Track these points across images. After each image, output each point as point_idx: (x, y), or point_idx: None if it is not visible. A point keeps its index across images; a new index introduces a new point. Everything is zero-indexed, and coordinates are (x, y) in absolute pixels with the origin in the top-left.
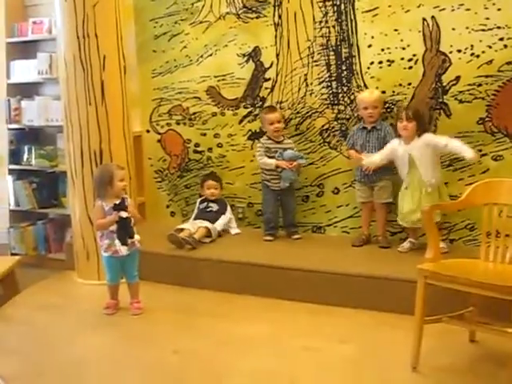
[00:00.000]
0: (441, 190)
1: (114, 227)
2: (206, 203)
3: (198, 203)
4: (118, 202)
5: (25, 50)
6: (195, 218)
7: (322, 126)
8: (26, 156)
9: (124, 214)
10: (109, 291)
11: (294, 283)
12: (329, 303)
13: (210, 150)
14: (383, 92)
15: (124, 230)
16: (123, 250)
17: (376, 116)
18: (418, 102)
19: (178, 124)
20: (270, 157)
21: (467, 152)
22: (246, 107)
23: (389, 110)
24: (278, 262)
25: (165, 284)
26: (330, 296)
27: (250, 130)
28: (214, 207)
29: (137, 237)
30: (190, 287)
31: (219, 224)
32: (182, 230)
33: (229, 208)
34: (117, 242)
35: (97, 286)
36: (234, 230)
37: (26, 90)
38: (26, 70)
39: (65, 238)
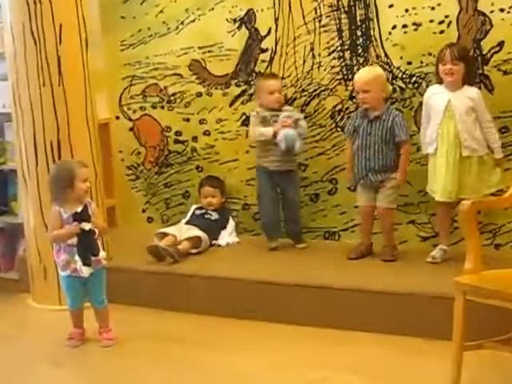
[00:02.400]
0: (487, 161)
1: (73, 240)
2: (203, 210)
3: (193, 209)
4: (79, 210)
5: None
6: (187, 223)
7: (334, 107)
8: None
9: (86, 226)
10: (71, 318)
11: (297, 303)
12: (342, 327)
13: (194, 139)
14: (409, 63)
15: (86, 246)
16: (84, 271)
17: (370, 102)
18: None
19: (154, 108)
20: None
21: (497, 150)
22: (238, 85)
23: (416, 86)
24: (278, 277)
25: (141, 307)
26: (344, 318)
27: (244, 114)
28: (213, 215)
29: (102, 253)
30: (173, 310)
31: (224, 240)
32: (165, 235)
33: (231, 222)
34: (77, 258)
35: (57, 311)
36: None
37: None
38: None
39: (16, 253)
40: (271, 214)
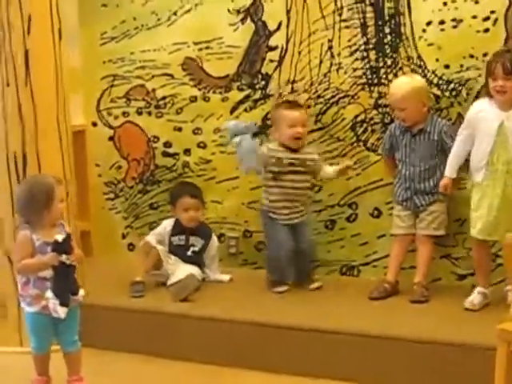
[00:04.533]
0: None
1: (48, 273)
2: (183, 236)
3: (167, 232)
4: (60, 240)
5: None
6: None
7: (355, 117)
8: None
9: (68, 260)
10: (35, 364)
11: (310, 351)
12: (361, 380)
13: (187, 152)
14: (446, 66)
15: (65, 283)
16: (60, 312)
17: (409, 119)
18: None
19: (139, 113)
20: (278, 173)
21: None
22: (240, 89)
23: (455, 94)
24: (285, 320)
25: (121, 352)
26: (364, 369)
27: None
28: (196, 244)
29: (81, 292)
30: (160, 357)
31: (213, 274)
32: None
33: (214, 239)
34: (50, 295)
35: (18, 354)
36: (217, 276)
37: None
38: None
39: None
40: (282, 255)
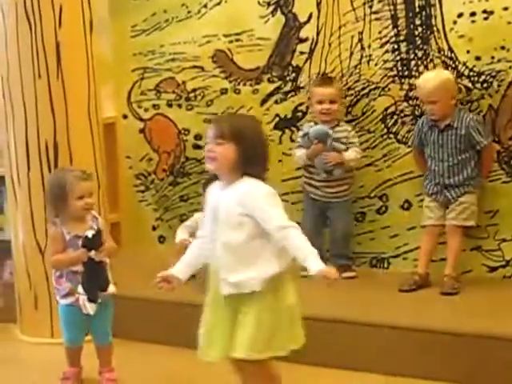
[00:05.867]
0: None
1: (79, 267)
2: None
3: (198, 219)
4: (90, 235)
5: None
6: None
7: (386, 110)
8: None
9: (97, 257)
10: (67, 355)
11: (337, 342)
12: (390, 372)
13: None
14: (477, 58)
15: (94, 279)
16: (89, 308)
17: (439, 113)
18: None
19: (169, 106)
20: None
21: None
22: (271, 81)
23: (486, 86)
24: (314, 311)
25: (151, 344)
26: (393, 361)
27: (277, 116)
28: None
29: (112, 287)
30: (189, 348)
31: None
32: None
33: None
34: (81, 290)
35: (50, 345)
36: None
37: None
38: None
39: (2, 276)
40: (310, 233)
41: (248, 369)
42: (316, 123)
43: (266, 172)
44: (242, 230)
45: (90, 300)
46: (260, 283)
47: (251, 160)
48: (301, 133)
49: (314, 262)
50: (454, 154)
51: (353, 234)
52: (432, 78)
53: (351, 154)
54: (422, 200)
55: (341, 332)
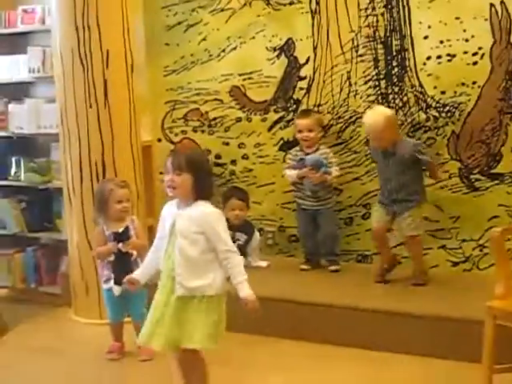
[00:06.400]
0: None
1: (111, 258)
2: (230, 233)
3: None
4: (120, 231)
5: (13, 43)
6: None
7: (369, 134)
8: (13, 170)
9: (124, 248)
10: (112, 332)
11: (336, 323)
12: (372, 347)
13: (233, 162)
14: (443, 92)
15: (121, 266)
16: (115, 290)
17: (386, 144)
18: (485, 105)
19: (195, 131)
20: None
21: None
22: (276, 111)
23: (449, 115)
24: (308, 296)
25: None
26: (376, 339)
27: (281, 139)
28: (242, 238)
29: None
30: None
31: (254, 262)
32: None
33: (256, 234)
34: (112, 276)
35: (98, 325)
36: (258, 263)
37: (15, 91)
38: (14, 67)
39: (59, 268)
40: (309, 246)
41: (190, 357)
42: (302, 149)
43: (212, 195)
44: (197, 245)
45: (116, 283)
46: (211, 289)
47: (203, 186)
48: (297, 157)
49: (242, 289)
50: (400, 175)
51: (338, 236)
52: (376, 117)
53: (332, 173)
54: None
55: (338, 315)
